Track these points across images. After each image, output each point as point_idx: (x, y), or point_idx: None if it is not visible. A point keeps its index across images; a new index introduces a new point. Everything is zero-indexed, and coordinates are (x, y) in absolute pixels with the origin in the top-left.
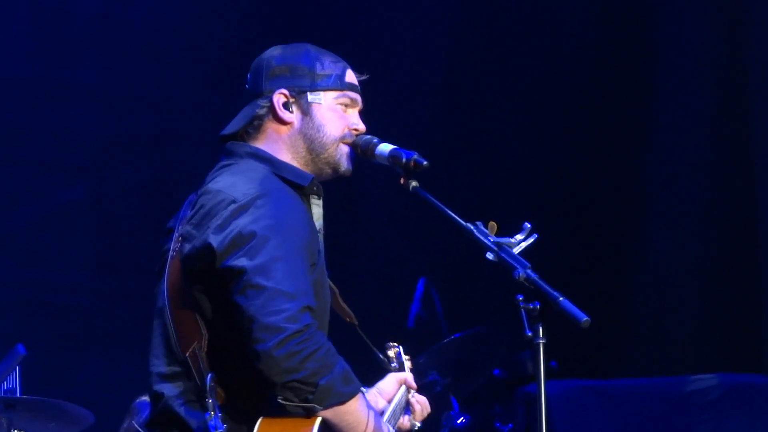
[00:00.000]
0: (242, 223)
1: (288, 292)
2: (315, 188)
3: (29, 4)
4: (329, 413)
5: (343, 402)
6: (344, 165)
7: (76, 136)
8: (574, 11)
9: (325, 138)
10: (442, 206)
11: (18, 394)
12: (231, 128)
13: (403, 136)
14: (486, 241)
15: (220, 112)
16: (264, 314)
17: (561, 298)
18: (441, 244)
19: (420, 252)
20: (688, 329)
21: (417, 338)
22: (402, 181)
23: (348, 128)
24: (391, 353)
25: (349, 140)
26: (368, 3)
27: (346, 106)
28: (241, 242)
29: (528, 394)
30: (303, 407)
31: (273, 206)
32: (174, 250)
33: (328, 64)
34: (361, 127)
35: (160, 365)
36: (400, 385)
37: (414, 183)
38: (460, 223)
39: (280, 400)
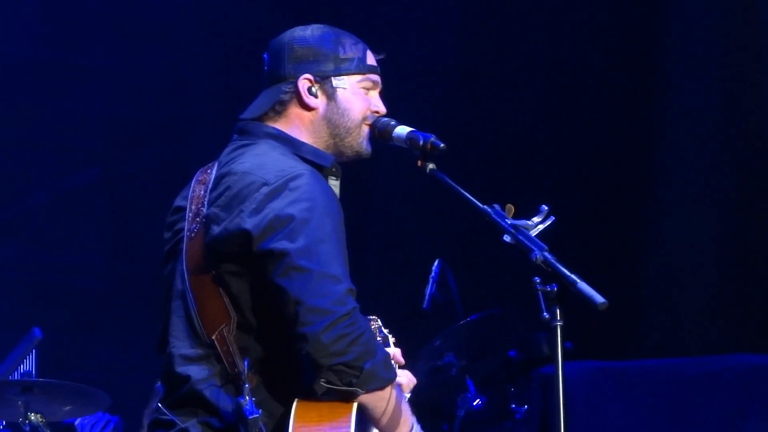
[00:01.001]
0: (278, 206)
1: (334, 274)
2: (334, 169)
3: None
4: (368, 398)
5: (383, 387)
6: (367, 148)
7: (90, 119)
8: None
9: (349, 122)
10: (460, 188)
11: (34, 377)
12: (253, 112)
13: (416, 120)
14: (503, 223)
15: (234, 95)
16: (311, 297)
17: (578, 281)
18: (456, 226)
19: (435, 233)
20: (704, 310)
21: (432, 320)
22: (419, 163)
23: (370, 110)
24: (372, 327)
25: (370, 121)
26: None
27: (368, 89)
28: (279, 225)
29: (544, 375)
30: (345, 391)
31: (307, 188)
32: (191, 231)
33: (349, 47)
34: (383, 109)
35: (183, 347)
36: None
37: (431, 165)
38: (477, 205)
39: (322, 383)
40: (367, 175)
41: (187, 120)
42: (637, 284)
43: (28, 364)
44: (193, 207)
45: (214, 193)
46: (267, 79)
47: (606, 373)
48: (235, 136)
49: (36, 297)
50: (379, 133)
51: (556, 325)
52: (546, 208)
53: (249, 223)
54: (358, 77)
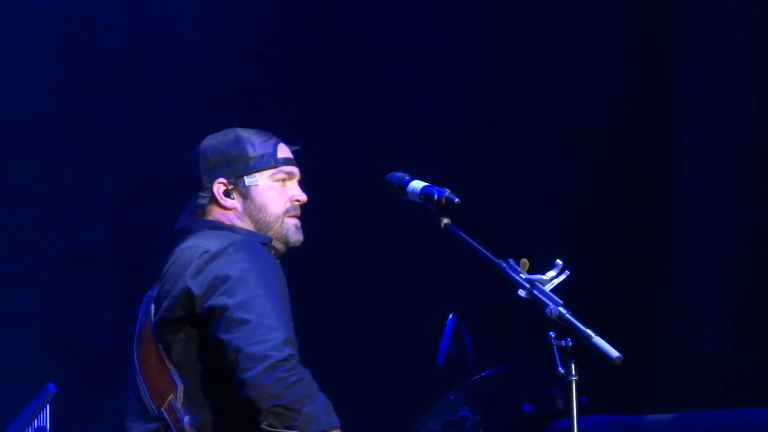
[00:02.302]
0: (217, 268)
1: (270, 324)
2: (273, 252)
3: (55, 40)
4: None
5: (325, 431)
6: (292, 238)
7: (102, 173)
8: (599, 42)
9: (268, 217)
10: (475, 243)
11: None
12: (181, 223)
13: (427, 174)
14: (518, 278)
15: None
16: (249, 344)
17: (593, 336)
18: (470, 280)
19: (449, 288)
20: (720, 363)
21: (447, 375)
22: (434, 218)
23: (290, 201)
24: None
25: (293, 213)
26: (387, 38)
27: (284, 180)
28: (219, 284)
29: (558, 429)
30: None
31: (245, 252)
32: (141, 324)
33: (259, 145)
34: (302, 197)
35: (136, 426)
36: None
37: (446, 220)
38: (492, 260)
39: (264, 426)
40: (379, 230)
41: None
42: (651, 338)
43: (43, 420)
44: (143, 307)
45: (163, 281)
46: (189, 189)
47: (621, 428)
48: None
49: (49, 351)
50: (393, 188)
51: (571, 380)
52: (560, 262)
53: (191, 284)
54: (270, 171)
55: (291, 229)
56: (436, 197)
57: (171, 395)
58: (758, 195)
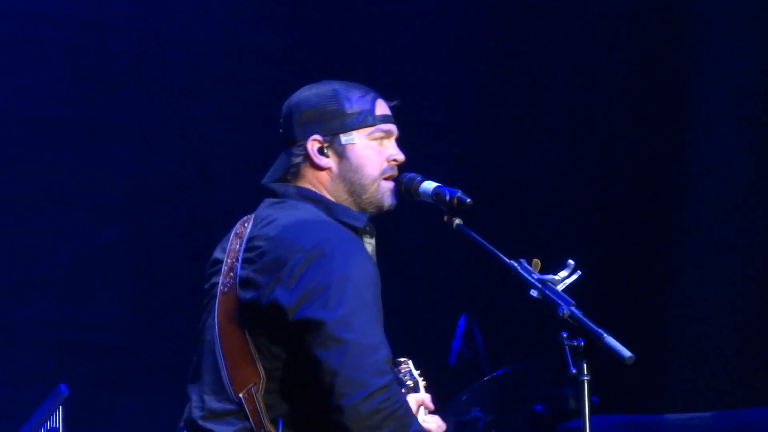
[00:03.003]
0: (314, 274)
1: (370, 344)
2: (368, 228)
3: (66, 42)
4: None
5: None
6: (387, 202)
7: (113, 175)
8: (608, 37)
9: (364, 179)
10: (487, 244)
11: None
12: (270, 177)
13: (439, 174)
14: (530, 278)
15: (257, 151)
16: (348, 368)
17: (605, 335)
18: (482, 280)
19: (461, 288)
20: (732, 362)
21: (459, 375)
22: (446, 218)
23: (387, 161)
24: (402, 370)
25: (390, 174)
26: (397, 39)
27: (381, 138)
28: (315, 294)
29: (570, 429)
30: None
31: (343, 255)
32: (225, 285)
33: (356, 100)
34: (400, 156)
35: (210, 401)
36: (419, 407)
37: (458, 220)
38: (504, 260)
39: None
40: (391, 230)
41: (210, 176)
42: (664, 337)
43: (55, 421)
44: (228, 261)
45: (248, 254)
46: (282, 141)
47: (633, 428)
48: (267, 198)
49: (62, 353)
50: (405, 189)
51: (583, 380)
52: (572, 262)
53: (284, 293)
54: (368, 129)
55: (386, 193)
56: (448, 198)
57: (252, 384)
58: None
